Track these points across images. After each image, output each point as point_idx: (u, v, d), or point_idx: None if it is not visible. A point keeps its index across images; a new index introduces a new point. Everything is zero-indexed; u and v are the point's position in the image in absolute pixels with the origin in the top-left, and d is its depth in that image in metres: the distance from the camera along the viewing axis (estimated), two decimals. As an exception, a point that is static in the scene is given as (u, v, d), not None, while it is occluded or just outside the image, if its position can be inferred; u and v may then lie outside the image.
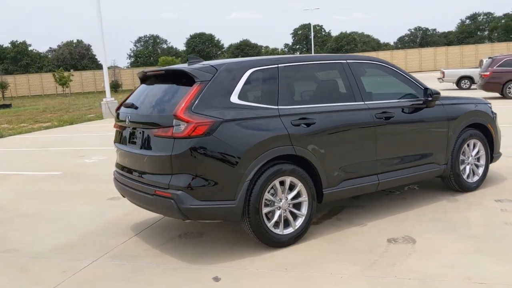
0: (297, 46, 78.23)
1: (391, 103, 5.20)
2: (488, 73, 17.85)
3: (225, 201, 4.14)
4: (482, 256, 4.00)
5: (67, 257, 4.57)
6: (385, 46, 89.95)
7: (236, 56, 77.60)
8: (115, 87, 49.59)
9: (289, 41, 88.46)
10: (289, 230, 4.47)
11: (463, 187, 5.80)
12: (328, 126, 4.65)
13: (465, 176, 5.82)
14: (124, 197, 5.04)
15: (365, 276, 3.76)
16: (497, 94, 18.03)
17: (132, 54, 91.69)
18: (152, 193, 4.27)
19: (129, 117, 4.62)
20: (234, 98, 4.29)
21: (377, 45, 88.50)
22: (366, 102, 4.98)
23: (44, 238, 5.17)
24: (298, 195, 4.51)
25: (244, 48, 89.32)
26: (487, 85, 18.03)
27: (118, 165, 5.03)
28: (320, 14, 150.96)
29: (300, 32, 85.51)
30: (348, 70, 5.02)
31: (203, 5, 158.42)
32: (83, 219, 5.80)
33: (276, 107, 4.44)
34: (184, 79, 4.41)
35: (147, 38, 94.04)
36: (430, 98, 5.31)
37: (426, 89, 5.39)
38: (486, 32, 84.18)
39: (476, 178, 5.96)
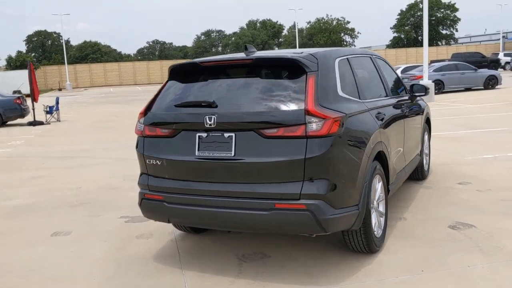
0: (33, 54, 70.65)
1: (399, 97, 5.33)
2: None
3: (352, 206, 3.60)
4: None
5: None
6: (127, 57, 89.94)
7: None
8: None
9: (23, 48, 79.52)
10: (379, 231, 4.17)
11: (423, 176, 6.37)
12: (391, 120, 4.52)
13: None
14: (169, 222, 3.86)
15: (499, 262, 3.79)
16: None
17: None
18: (269, 208, 3.39)
19: (214, 117, 3.53)
20: (339, 90, 3.77)
21: (119, 56, 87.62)
22: (392, 96, 5.02)
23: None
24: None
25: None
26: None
27: (163, 183, 3.80)
28: (40, 21, 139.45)
29: (35, 39, 77.77)
30: (377, 65, 4.98)
31: None
32: (78, 263, 4.18)
33: (361, 100, 4.09)
34: (283, 69, 3.66)
35: None
36: (422, 94, 5.66)
37: (412, 85, 5.74)
38: (220, 48, 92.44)
39: (426, 167, 6.62)
